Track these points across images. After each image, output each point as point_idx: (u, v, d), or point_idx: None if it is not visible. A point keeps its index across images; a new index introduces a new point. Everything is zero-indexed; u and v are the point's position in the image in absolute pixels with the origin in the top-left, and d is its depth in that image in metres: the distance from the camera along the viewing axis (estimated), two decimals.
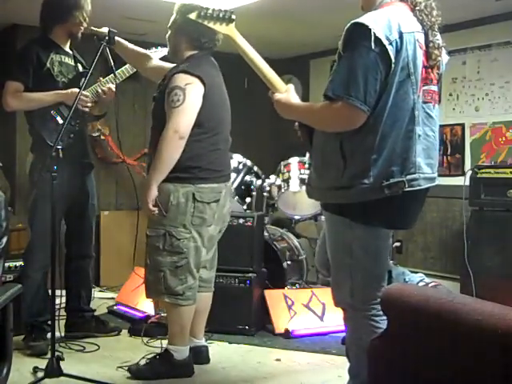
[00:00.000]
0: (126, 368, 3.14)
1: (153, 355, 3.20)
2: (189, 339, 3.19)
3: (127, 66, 3.59)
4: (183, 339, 3.11)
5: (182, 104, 2.91)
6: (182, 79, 2.96)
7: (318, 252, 2.55)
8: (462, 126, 4.94)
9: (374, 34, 1.99)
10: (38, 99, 3.45)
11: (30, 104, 3.47)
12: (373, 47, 2.00)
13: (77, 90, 3.35)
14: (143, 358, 3.23)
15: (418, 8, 2.16)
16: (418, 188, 2.14)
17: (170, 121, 2.93)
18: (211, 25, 2.26)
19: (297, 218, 4.69)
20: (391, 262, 2.46)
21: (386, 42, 2.01)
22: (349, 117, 2.05)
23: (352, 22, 2.06)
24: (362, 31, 2.01)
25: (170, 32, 3.16)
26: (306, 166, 4.44)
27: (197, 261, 3.08)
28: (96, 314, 3.93)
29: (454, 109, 4.99)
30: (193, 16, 2.25)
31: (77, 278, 3.72)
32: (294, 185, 4.48)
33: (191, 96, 2.94)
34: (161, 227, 3.01)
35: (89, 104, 3.51)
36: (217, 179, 3.09)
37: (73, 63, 3.63)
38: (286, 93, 2.25)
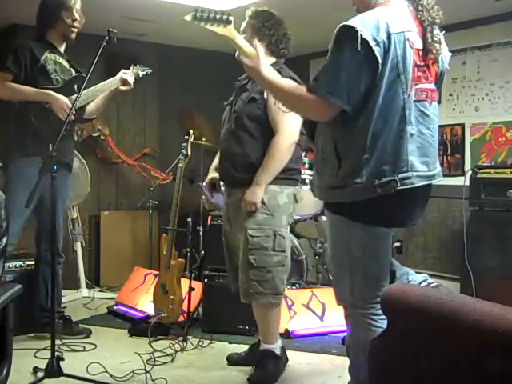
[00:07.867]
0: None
1: (257, 360, 3.16)
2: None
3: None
4: (278, 335, 3.22)
5: None
6: None
7: (328, 251, 2.55)
8: (462, 126, 4.94)
9: (361, 35, 2.03)
10: (23, 91, 3.46)
11: (15, 95, 3.50)
12: (359, 49, 2.03)
13: (65, 98, 3.44)
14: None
15: (420, 3, 2.18)
16: (412, 186, 2.14)
17: (286, 126, 3.00)
18: (208, 26, 2.21)
19: (297, 218, 4.67)
20: (396, 261, 2.44)
21: (372, 43, 2.04)
22: (323, 111, 2.10)
23: (341, 24, 2.10)
24: (350, 33, 2.05)
25: (245, 35, 3.00)
26: (306, 166, 4.44)
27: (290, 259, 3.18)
28: (96, 313, 3.93)
29: (453, 109, 4.99)
30: (188, 18, 2.20)
31: (46, 278, 3.63)
32: None
33: None
34: (267, 227, 3.05)
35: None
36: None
37: (67, 66, 3.65)
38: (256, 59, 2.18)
